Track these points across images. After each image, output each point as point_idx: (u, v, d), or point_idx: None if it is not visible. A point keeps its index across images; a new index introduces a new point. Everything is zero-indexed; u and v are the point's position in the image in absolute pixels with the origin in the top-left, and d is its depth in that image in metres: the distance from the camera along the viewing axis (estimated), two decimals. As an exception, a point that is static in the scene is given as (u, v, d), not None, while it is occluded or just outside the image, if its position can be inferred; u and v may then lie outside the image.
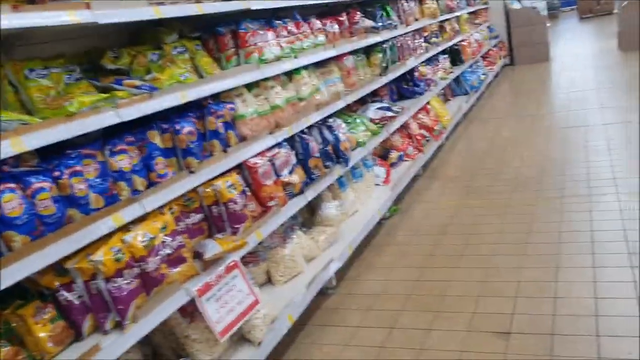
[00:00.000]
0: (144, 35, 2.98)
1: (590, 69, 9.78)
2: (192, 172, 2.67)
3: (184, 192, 2.62)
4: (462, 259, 3.66)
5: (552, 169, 5.04)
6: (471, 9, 9.64)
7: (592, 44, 13.19)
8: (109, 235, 2.20)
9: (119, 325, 2.14)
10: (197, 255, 2.64)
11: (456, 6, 8.44)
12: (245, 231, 2.85)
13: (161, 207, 2.50)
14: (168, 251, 2.40)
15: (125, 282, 2.14)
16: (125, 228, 2.30)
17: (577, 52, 12.20)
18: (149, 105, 2.43)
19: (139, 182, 2.45)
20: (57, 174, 2.07)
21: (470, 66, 8.68)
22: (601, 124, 6.18)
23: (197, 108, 2.88)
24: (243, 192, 2.93)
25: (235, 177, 2.90)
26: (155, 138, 2.59)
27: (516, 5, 12.38)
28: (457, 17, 8.60)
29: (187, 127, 2.68)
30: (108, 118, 2.23)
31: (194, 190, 2.75)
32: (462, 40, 8.49)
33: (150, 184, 2.51)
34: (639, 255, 3.21)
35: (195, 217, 2.79)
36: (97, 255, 2.07)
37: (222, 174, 2.87)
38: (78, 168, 2.14)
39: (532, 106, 7.85)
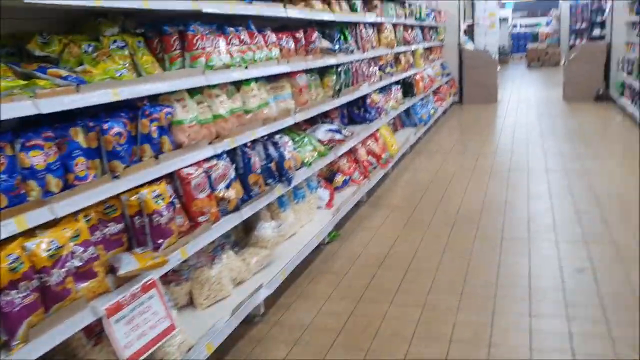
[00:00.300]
0: (83, 26, 2.72)
1: (535, 115, 10.06)
2: (116, 177, 2.42)
3: (105, 198, 2.37)
4: (399, 294, 3.52)
5: (494, 208, 5.03)
6: (427, 45, 9.75)
7: (538, 91, 13.66)
8: (10, 240, 1.92)
9: (5, 346, 1.85)
10: (112, 269, 2.39)
11: (413, 40, 8.50)
12: (168, 247, 2.61)
13: (76, 213, 2.24)
14: (77, 263, 2.14)
15: (20, 295, 1.87)
16: (29, 233, 2.03)
17: (524, 98, 12.59)
18: (74, 99, 2.18)
19: (53, 182, 2.18)
20: (-52, 164, 1.79)
21: (421, 100, 8.74)
22: (543, 169, 6.27)
23: (131, 109, 2.64)
24: (171, 203, 2.70)
25: (164, 187, 2.66)
26: (78, 136, 2.33)
27: (470, 46, 12.68)
28: (413, 50, 8.66)
29: (116, 128, 2.44)
30: (23, 108, 1.97)
31: (117, 197, 2.50)
32: (416, 74, 8.54)
33: (67, 186, 2.25)
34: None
35: (115, 227, 2.52)
36: (-12, 263, 1.80)
37: (150, 182, 2.63)
38: (-22, 160, 1.86)
39: (477, 145, 7.94)
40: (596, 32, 13.86)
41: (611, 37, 10.89)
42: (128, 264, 2.34)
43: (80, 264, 2.15)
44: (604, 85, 11.01)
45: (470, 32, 14.10)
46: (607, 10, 11.82)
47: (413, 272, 3.83)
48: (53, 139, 2.23)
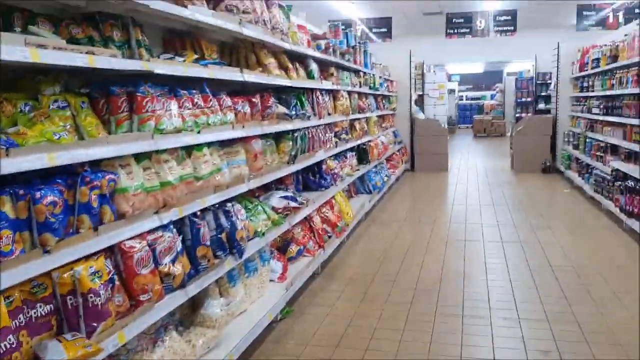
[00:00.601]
0: (21, 83, 2.49)
1: (485, 184, 10.21)
2: (47, 252, 2.14)
3: (33, 276, 2.08)
4: (357, 378, 3.27)
5: (451, 282, 4.89)
6: (380, 113, 9.88)
7: (486, 161, 13.99)
8: None
9: None
10: (36, 359, 2.07)
11: (367, 107, 8.57)
12: (105, 331, 2.31)
13: (-5, 294, 1.95)
14: (-9, 355, 1.82)
15: None
16: None
17: (473, 167, 12.85)
18: (2, 164, 1.93)
19: (-29, 259, 1.89)
20: None
21: (375, 167, 8.74)
22: (498, 240, 6.24)
23: (70, 175, 2.39)
24: (110, 280, 2.42)
25: (102, 262, 2.39)
26: (5, 205, 2.06)
27: (421, 116, 12.97)
28: (367, 118, 8.73)
29: (50, 197, 2.18)
30: (-63, 173, 1.71)
31: (48, 274, 2.21)
32: (370, 141, 8.56)
33: (-13, 263, 1.96)
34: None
35: (43, 309, 2.21)
36: None
37: (87, 257, 2.35)
38: None
39: (431, 213, 7.90)
40: (541, 105, 14.47)
41: (557, 110, 11.34)
42: (54, 353, 2.03)
43: (-5, 356, 1.84)
44: (550, 157, 11.35)
45: (420, 102, 14.49)
46: (552, 84, 12.37)
47: (372, 352, 3.59)
48: (-27, 208, 1.96)
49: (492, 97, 26.74)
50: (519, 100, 19.43)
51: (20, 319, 2.10)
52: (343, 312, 4.29)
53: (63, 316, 2.28)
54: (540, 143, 11.37)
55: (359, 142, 7.79)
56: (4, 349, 1.87)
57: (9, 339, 1.91)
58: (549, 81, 14.00)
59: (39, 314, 2.19)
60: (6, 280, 1.95)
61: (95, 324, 2.28)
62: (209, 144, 3.47)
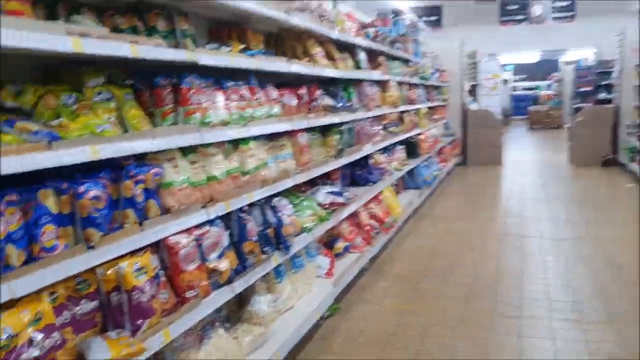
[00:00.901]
0: (64, 74, 2.46)
1: (542, 179, 9.82)
2: (91, 248, 2.10)
3: (76, 272, 2.04)
4: (408, 380, 3.13)
5: (508, 280, 4.67)
6: (430, 104, 9.60)
7: (542, 154, 13.50)
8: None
9: None
10: (80, 358, 2.03)
11: (417, 99, 8.34)
12: (150, 328, 2.26)
13: (40, 290, 1.91)
14: (35, 353, 1.79)
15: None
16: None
17: (529, 160, 12.40)
18: (44, 157, 1.89)
19: (15, 255, 1.86)
20: None
21: (425, 160, 8.49)
22: (556, 237, 5.94)
23: (114, 169, 2.35)
24: (155, 277, 2.36)
25: (147, 258, 2.33)
26: (48, 200, 2.03)
27: (474, 107, 12.59)
28: (417, 109, 8.49)
29: (93, 191, 2.13)
30: (-21, 167, 1.67)
31: (92, 270, 2.17)
32: (420, 134, 8.33)
33: (31, 259, 1.92)
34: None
35: (87, 306, 2.17)
36: None
37: (132, 253, 2.30)
38: None
39: (484, 209, 7.64)
40: (602, 95, 13.79)
41: (620, 100, 10.76)
42: (98, 352, 1.98)
43: (40, 353, 1.80)
44: (611, 150, 10.80)
45: (473, 92, 14.07)
46: (614, 73, 11.76)
47: (424, 354, 3.44)
48: (16, 203, 1.92)
49: (548, 87, 25.77)
50: (577, 90, 18.58)
51: (64, 315, 2.07)
52: (392, 310, 4.15)
53: (107, 313, 2.25)
54: (601, 135, 10.83)
55: (408, 135, 7.57)
56: (49, 347, 1.83)
57: (54, 336, 1.86)
58: (610, 69, 13.32)
59: (83, 311, 2.16)
60: (50, 276, 1.91)
61: (140, 322, 2.23)
62: (255, 138, 3.39)
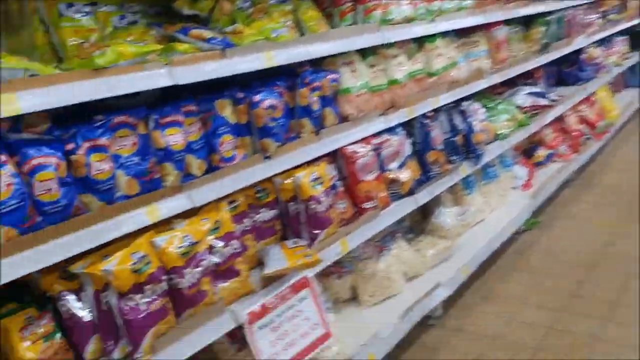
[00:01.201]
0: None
1: None
2: (268, 158, 2.07)
3: (254, 182, 2.03)
4: (619, 309, 2.74)
5: None
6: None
7: None
8: (137, 234, 1.67)
9: (129, 357, 1.61)
10: (260, 263, 2.07)
11: (646, -22, 6.96)
12: (327, 238, 2.22)
13: (218, 199, 1.94)
14: (216, 260, 1.84)
15: (145, 301, 1.60)
16: (165, 225, 1.77)
17: None
18: (218, 66, 1.84)
19: (196, 164, 1.89)
20: (70, 146, 1.54)
21: (653, 52, 7.18)
22: None
23: (289, 76, 2.26)
24: (332, 187, 2.29)
25: (324, 168, 2.25)
26: (225, 110, 2.01)
27: None
28: (645, -9, 7.11)
29: (269, 100, 2.07)
30: (155, 78, 1.67)
31: (269, 179, 2.16)
32: (647, 20, 7.01)
33: (211, 169, 1.95)
34: None
35: (267, 214, 2.20)
36: (109, 263, 1.54)
37: (309, 163, 2.24)
38: (102, 141, 1.60)
39: None
40: None
41: None
42: (275, 262, 2.00)
43: (220, 261, 1.86)
44: None
45: None
46: None
47: (637, 280, 2.99)
48: (195, 113, 1.94)
49: None
50: None
51: (245, 223, 2.11)
52: (602, 228, 3.66)
53: (286, 222, 2.25)
54: None
55: (631, 23, 6.41)
56: (229, 254, 1.87)
57: (233, 244, 1.90)
58: None
59: (264, 219, 2.18)
60: (228, 186, 1.92)
61: (317, 231, 2.19)
62: (443, 35, 3.06)
